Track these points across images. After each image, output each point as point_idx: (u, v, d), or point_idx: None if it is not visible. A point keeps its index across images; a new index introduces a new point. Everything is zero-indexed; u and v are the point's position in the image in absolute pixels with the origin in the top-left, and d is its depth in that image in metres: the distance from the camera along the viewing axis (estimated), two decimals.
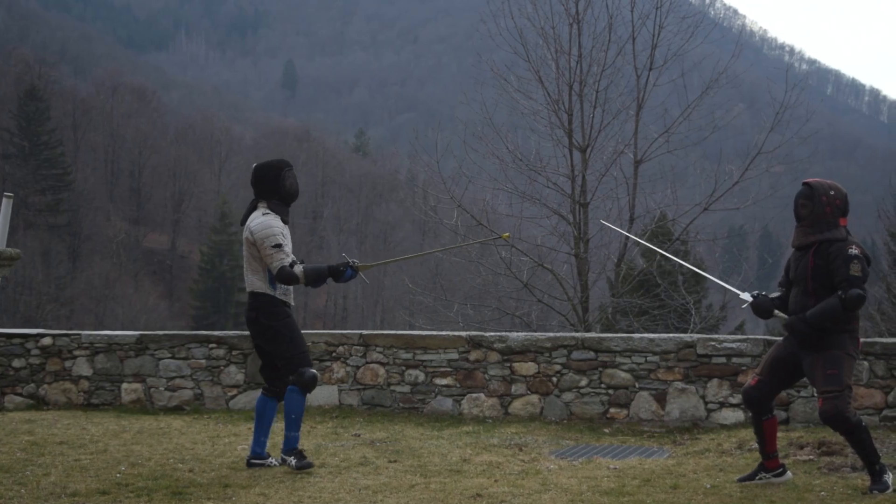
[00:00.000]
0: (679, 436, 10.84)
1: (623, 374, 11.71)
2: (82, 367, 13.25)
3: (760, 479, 8.15)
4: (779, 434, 9.48)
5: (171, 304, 73.03)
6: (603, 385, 11.76)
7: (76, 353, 13.28)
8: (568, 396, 11.86)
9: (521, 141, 19.97)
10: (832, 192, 7.87)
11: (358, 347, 12.52)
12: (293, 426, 8.63)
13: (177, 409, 12.85)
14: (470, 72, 24.33)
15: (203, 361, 12.96)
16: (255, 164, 8.90)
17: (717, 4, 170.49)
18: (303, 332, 12.85)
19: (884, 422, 10.78)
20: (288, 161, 8.98)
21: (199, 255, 73.70)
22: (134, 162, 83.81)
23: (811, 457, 9.03)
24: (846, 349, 7.74)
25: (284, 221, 8.75)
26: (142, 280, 72.60)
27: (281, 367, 8.72)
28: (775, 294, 8.23)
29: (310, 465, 8.64)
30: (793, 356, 7.97)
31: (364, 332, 12.75)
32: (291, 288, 8.80)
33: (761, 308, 8.14)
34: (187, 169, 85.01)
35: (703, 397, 11.39)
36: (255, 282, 8.64)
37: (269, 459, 8.82)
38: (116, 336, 13.31)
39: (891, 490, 7.65)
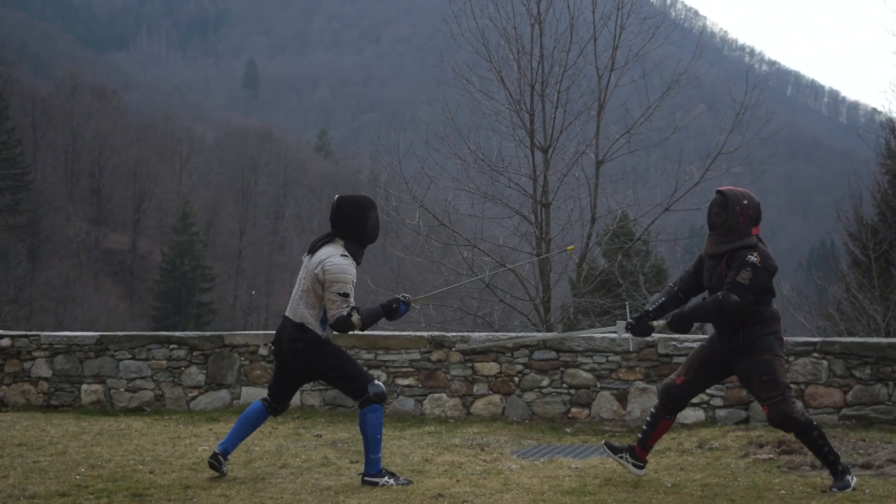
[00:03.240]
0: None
1: (584, 374, 11.75)
2: (41, 369, 13.17)
3: (621, 457, 8.33)
4: (739, 433, 9.58)
5: (132, 304, 72.62)
6: (564, 385, 11.79)
7: (35, 354, 13.20)
8: (530, 396, 11.88)
9: (482, 141, 19.98)
10: (745, 202, 7.97)
11: None
12: (377, 447, 8.26)
13: (137, 411, 12.79)
14: (432, 72, 24.34)
15: (164, 362, 12.91)
16: (339, 197, 8.34)
17: (678, 5, 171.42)
18: (265, 332, 12.89)
19: (842, 420, 10.87)
20: (373, 201, 8.44)
21: (160, 255, 73.32)
22: (94, 162, 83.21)
23: (771, 455, 9.09)
24: (773, 351, 7.83)
25: (357, 264, 8.33)
26: (102, 280, 72.13)
27: (345, 389, 8.39)
28: (658, 301, 8.32)
29: (409, 482, 8.28)
30: (719, 360, 8.07)
31: None
32: None
33: (640, 331, 8.27)
34: (148, 169, 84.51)
35: None
36: (306, 315, 8.22)
37: (224, 467, 8.50)
38: (76, 337, 13.23)
39: (851, 489, 7.71)
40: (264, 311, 74.93)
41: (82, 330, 20.85)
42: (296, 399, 12.45)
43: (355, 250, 8.29)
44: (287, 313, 8.36)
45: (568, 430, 11.29)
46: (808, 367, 11.04)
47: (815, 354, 11.05)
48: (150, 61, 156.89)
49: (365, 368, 8.46)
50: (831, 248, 41.38)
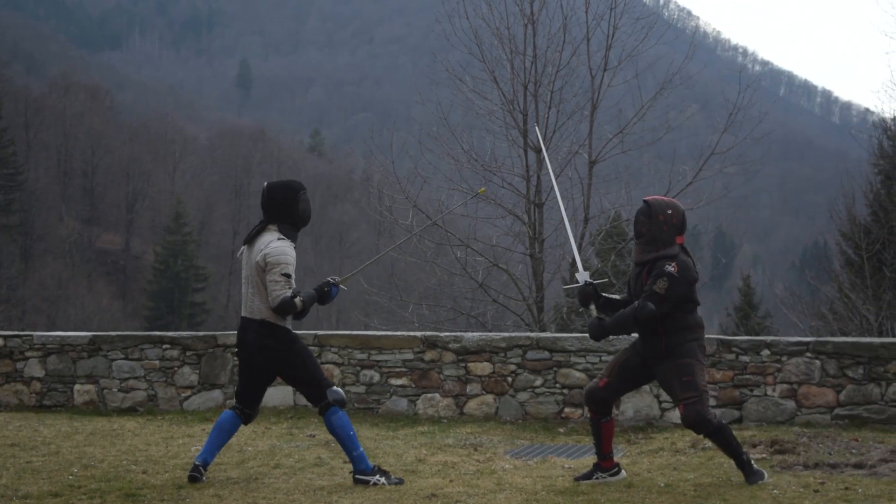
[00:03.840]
0: (633, 435, 10.88)
1: (578, 374, 11.75)
2: (34, 369, 13.14)
3: (597, 478, 8.29)
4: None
5: (125, 304, 72.49)
6: (558, 385, 11.80)
7: (28, 354, 13.17)
8: (523, 396, 11.89)
9: (476, 141, 19.97)
10: (669, 211, 8.07)
11: (313, 348, 12.47)
12: (355, 443, 8.27)
13: (130, 411, 12.77)
14: (425, 72, 24.37)
15: (157, 362, 12.89)
16: (267, 183, 8.48)
17: (671, 6, 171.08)
18: None
19: (835, 420, 10.89)
20: (302, 183, 8.60)
21: (153, 255, 73.21)
22: (87, 161, 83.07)
23: (764, 455, 9.10)
24: (695, 356, 7.95)
25: (294, 248, 8.40)
26: (95, 280, 71.98)
27: (305, 391, 8.40)
28: (617, 296, 8.45)
29: (401, 481, 8.29)
30: (641, 364, 8.17)
31: (319, 332, 12.71)
32: None
33: (584, 296, 8.39)
34: (141, 169, 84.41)
35: (657, 397, 11.44)
36: (265, 310, 8.26)
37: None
38: (69, 337, 13.20)
39: (767, 477, 8.02)
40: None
41: (75, 330, 20.82)
42: (289, 399, 12.45)
43: (290, 233, 8.39)
44: (244, 314, 8.40)
45: (561, 429, 11.30)
46: (801, 367, 11.06)
47: (808, 354, 11.07)
48: (144, 61, 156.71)
49: (323, 374, 8.43)
50: (824, 247, 41.37)
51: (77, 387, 13.04)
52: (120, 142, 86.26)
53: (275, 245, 8.21)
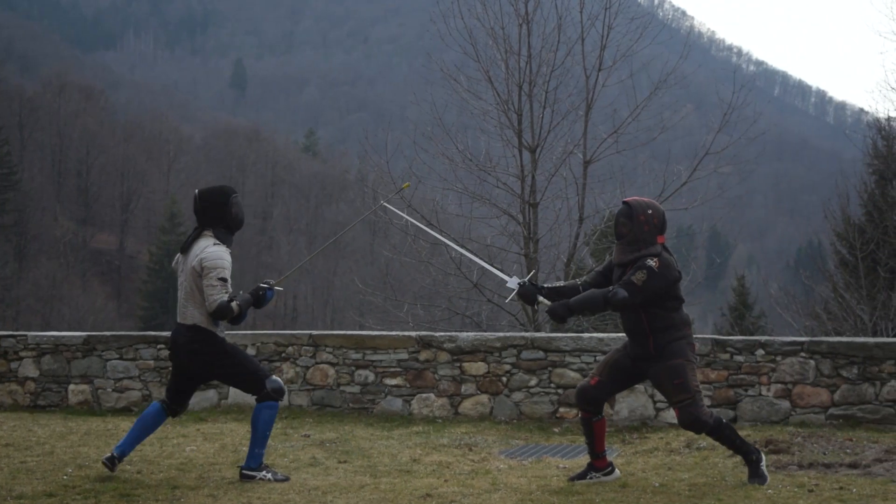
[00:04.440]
0: (628, 435, 10.89)
1: (572, 374, 11.75)
2: (28, 369, 13.14)
3: (591, 478, 8.29)
4: None
5: (119, 304, 72.48)
6: (552, 384, 11.80)
7: (22, 354, 13.17)
8: (518, 396, 11.89)
9: (470, 141, 19.96)
10: (650, 211, 8.09)
11: (307, 348, 12.49)
12: (263, 443, 8.39)
13: (125, 411, 12.77)
14: (420, 72, 24.34)
15: (151, 362, 12.89)
16: (198, 190, 8.57)
17: (666, 6, 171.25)
18: (252, 332, 12.88)
19: (830, 420, 10.89)
20: (233, 188, 8.73)
21: (148, 255, 73.16)
22: (81, 161, 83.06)
23: None
24: (685, 356, 7.96)
25: (230, 252, 8.49)
26: (89, 280, 72.00)
27: (244, 387, 8.49)
28: (556, 284, 8.42)
29: (286, 478, 8.39)
30: (632, 364, 8.18)
31: (314, 332, 12.71)
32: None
33: (526, 296, 8.37)
34: (136, 169, 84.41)
35: (651, 396, 11.45)
36: (197, 316, 8.32)
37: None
38: (63, 337, 13.20)
39: (768, 479, 7.96)
40: (252, 311, 74.72)
41: (69, 330, 20.81)
42: (284, 399, 12.44)
43: (225, 238, 8.49)
44: (178, 319, 8.46)
45: (556, 429, 11.29)
46: (796, 367, 11.07)
47: (803, 354, 11.08)
48: (138, 61, 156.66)
49: (262, 364, 8.50)
50: (818, 247, 41.46)
51: (71, 387, 13.04)
52: (114, 142, 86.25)
53: (210, 250, 8.30)
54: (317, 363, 12.45)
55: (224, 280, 8.24)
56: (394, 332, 13.01)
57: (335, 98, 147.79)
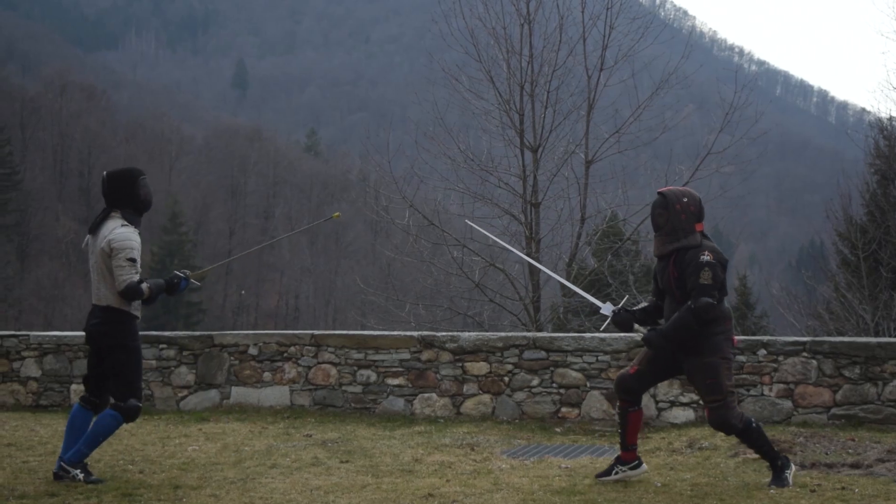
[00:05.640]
0: None
1: (574, 374, 11.75)
2: (31, 369, 13.14)
3: (617, 473, 8.27)
4: None
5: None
6: (554, 384, 11.80)
7: (24, 354, 13.18)
8: (520, 396, 11.89)
9: (472, 141, 19.98)
10: (685, 199, 8.06)
11: (309, 348, 12.49)
12: (93, 444, 8.35)
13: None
14: (421, 72, 24.36)
15: (153, 362, 12.88)
16: (106, 172, 8.57)
17: (668, 5, 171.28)
18: (254, 332, 12.88)
19: (832, 420, 10.89)
20: (141, 169, 8.75)
21: (150, 255, 73.11)
22: (83, 161, 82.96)
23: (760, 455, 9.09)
24: (722, 353, 7.89)
25: (139, 233, 8.49)
26: (91, 280, 71.92)
27: (112, 385, 8.42)
28: (642, 305, 8.42)
29: (100, 481, 8.28)
30: (671, 357, 8.11)
31: (316, 332, 12.71)
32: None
33: (622, 323, 8.33)
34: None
35: (653, 396, 11.45)
36: (110, 296, 8.31)
37: (76, 472, 8.34)
38: (65, 337, 13.21)
39: (790, 486, 7.83)
40: (254, 311, 74.95)
41: (71, 330, 20.79)
42: (286, 399, 12.46)
43: (133, 219, 8.49)
44: (93, 301, 8.47)
45: (558, 429, 11.30)
46: (798, 367, 11.07)
47: (805, 354, 11.08)
48: (139, 61, 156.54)
49: (141, 385, 8.48)
50: (820, 247, 41.37)
51: (74, 386, 13.04)
52: (116, 142, 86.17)
53: (119, 231, 8.31)
54: (319, 363, 12.46)
55: (132, 260, 8.23)
56: (396, 332, 13.02)
57: (337, 98, 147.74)
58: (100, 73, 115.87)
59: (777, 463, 7.96)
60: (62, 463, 8.28)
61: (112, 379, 8.47)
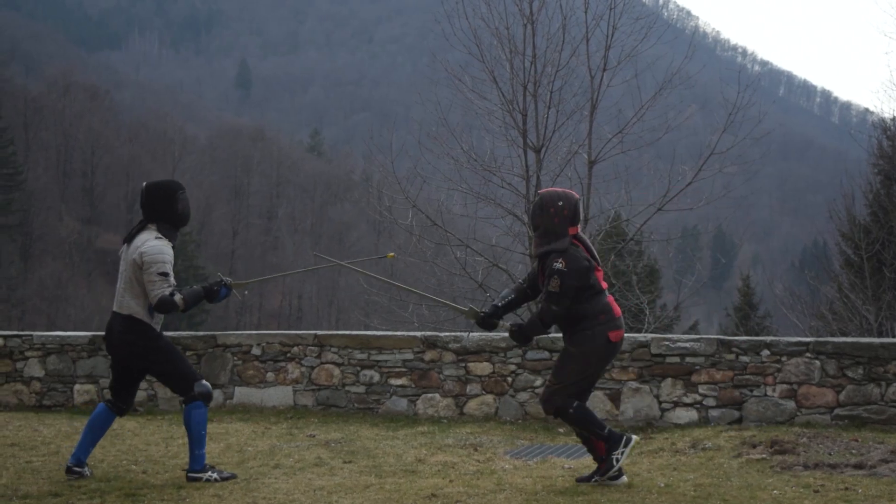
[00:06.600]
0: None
1: None
2: (34, 369, 13.15)
3: (595, 481, 8.23)
4: (732, 433, 9.61)
5: None
6: None
7: (28, 354, 13.18)
8: (523, 396, 11.88)
9: (475, 141, 19.96)
10: (560, 203, 8.09)
11: (313, 348, 12.50)
12: (202, 443, 8.41)
13: (130, 411, 12.75)
14: (425, 72, 24.37)
15: None
16: (145, 184, 8.55)
17: (671, 6, 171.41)
18: (257, 332, 12.89)
19: (835, 420, 10.87)
20: (180, 183, 8.68)
21: None
22: (86, 161, 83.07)
23: (763, 455, 9.09)
24: (583, 346, 8.03)
25: (173, 247, 8.48)
26: (95, 280, 71.99)
27: (172, 386, 8.49)
28: (508, 297, 8.56)
29: (233, 476, 8.47)
30: None
31: (319, 332, 12.71)
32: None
33: (484, 324, 8.55)
34: (140, 168, 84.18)
35: (657, 397, 11.44)
36: (133, 306, 8.34)
37: (86, 469, 8.50)
38: (69, 337, 13.21)
39: (616, 470, 8.09)
40: (257, 312, 74.96)
41: (75, 330, 20.81)
42: (289, 399, 12.47)
43: (169, 232, 8.46)
44: (114, 308, 8.48)
45: (561, 430, 11.29)
46: (801, 367, 11.05)
47: (808, 354, 11.06)
48: (142, 61, 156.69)
49: (194, 368, 8.50)
50: (823, 248, 41.32)
51: (77, 387, 13.05)
52: (119, 142, 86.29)
53: (151, 244, 8.30)
54: (322, 363, 12.46)
55: (164, 275, 8.21)
56: (399, 333, 13.02)
57: (340, 98, 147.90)
58: (103, 74, 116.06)
59: (602, 433, 8.09)
60: (190, 474, 8.35)
61: (164, 383, 8.59)
